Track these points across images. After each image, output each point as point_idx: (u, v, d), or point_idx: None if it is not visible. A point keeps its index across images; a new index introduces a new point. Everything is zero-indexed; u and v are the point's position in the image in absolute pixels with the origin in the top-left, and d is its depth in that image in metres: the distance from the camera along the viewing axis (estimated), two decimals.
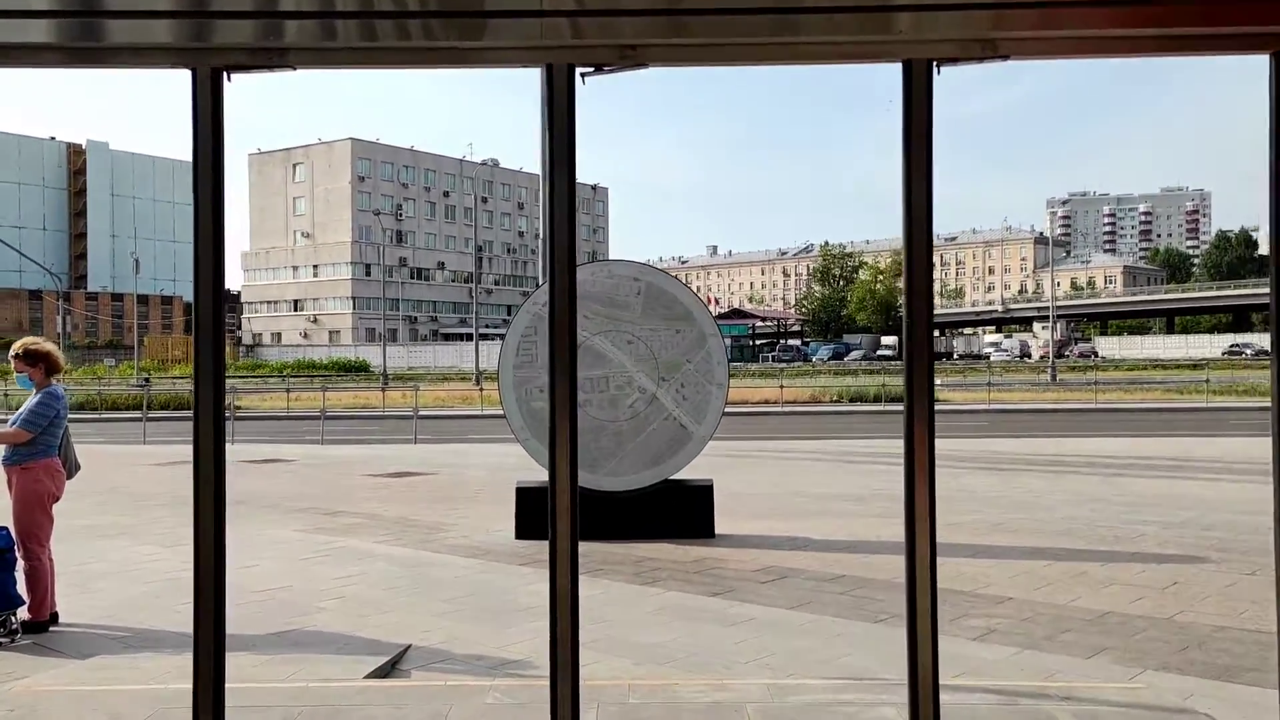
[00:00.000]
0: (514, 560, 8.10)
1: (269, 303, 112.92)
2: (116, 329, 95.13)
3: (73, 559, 8.22)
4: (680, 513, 9.05)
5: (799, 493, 11.90)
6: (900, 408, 3.03)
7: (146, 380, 43.77)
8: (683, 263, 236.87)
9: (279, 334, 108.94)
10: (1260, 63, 2.85)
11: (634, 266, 9.11)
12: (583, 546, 8.28)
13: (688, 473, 9.09)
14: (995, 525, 9.55)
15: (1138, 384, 39.18)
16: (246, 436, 23.41)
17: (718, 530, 9.04)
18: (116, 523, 10.21)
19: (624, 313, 9.01)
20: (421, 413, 24.82)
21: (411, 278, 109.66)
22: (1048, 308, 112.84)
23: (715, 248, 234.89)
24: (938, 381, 44.65)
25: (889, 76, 2.91)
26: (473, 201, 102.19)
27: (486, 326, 59.61)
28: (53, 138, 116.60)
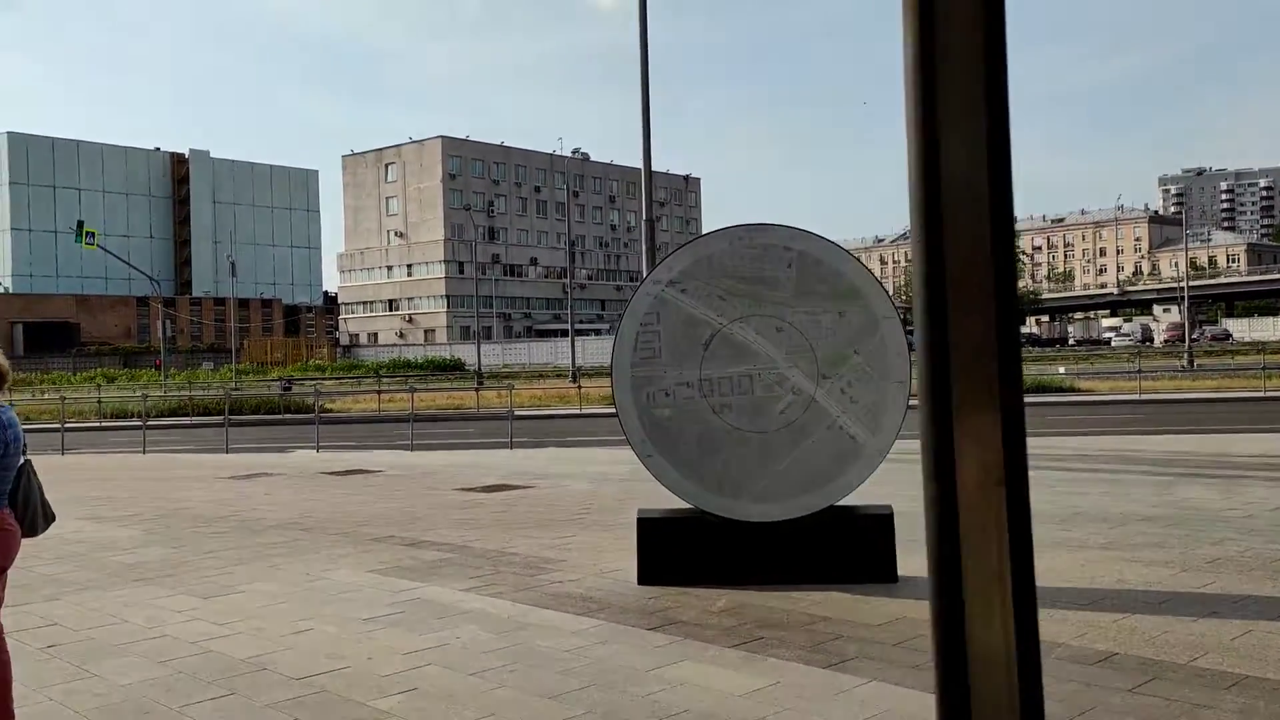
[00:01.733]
0: (641, 620, 6.14)
1: (365, 303, 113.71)
2: (219, 333, 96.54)
3: (83, 620, 6.55)
4: (851, 549, 6.97)
5: None
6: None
7: (288, 385, 43.20)
8: None
9: (375, 334, 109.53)
10: None
11: (783, 232, 7.06)
12: (731, 597, 6.15)
13: (857, 497, 7.01)
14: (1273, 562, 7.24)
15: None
16: (332, 442, 22.02)
17: (900, 570, 6.93)
18: (159, 559, 8.59)
19: (772, 292, 6.97)
20: (517, 413, 23.14)
21: (505, 274, 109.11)
22: (1169, 289, 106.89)
23: None
24: (1061, 369, 41.48)
25: None
26: (564, 196, 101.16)
27: (581, 322, 58.17)
28: (157, 148, 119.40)
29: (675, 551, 7.11)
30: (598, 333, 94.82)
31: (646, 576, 7.09)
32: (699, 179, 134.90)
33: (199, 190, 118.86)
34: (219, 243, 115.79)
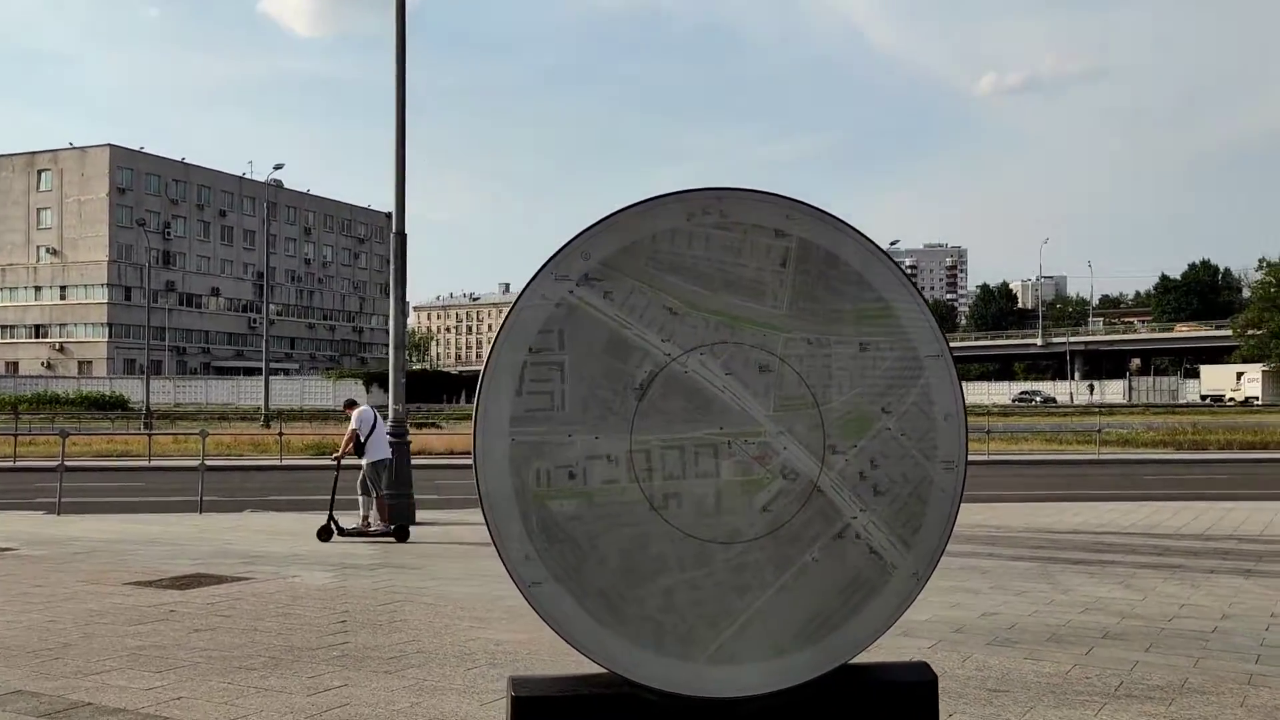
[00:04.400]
0: None
1: (5, 327, 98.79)
2: None
3: None
4: None
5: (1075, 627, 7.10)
6: None
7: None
8: (474, 299, 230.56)
9: (15, 363, 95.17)
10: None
11: (775, 206, 4.28)
12: None
13: (879, 650, 4.28)
14: None
15: (1011, 434, 37.13)
16: None
17: None
18: None
19: (754, 304, 4.16)
20: (201, 463, 18.67)
21: (181, 304, 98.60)
22: None
23: (508, 285, 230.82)
24: None
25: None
26: (254, 223, 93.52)
27: (271, 360, 51.99)
28: None
29: None
30: (287, 372, 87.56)
31: None
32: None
33: None
34: None
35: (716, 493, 4.06)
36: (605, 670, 4.09)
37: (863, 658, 4.22)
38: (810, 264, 4.14)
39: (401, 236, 14.23)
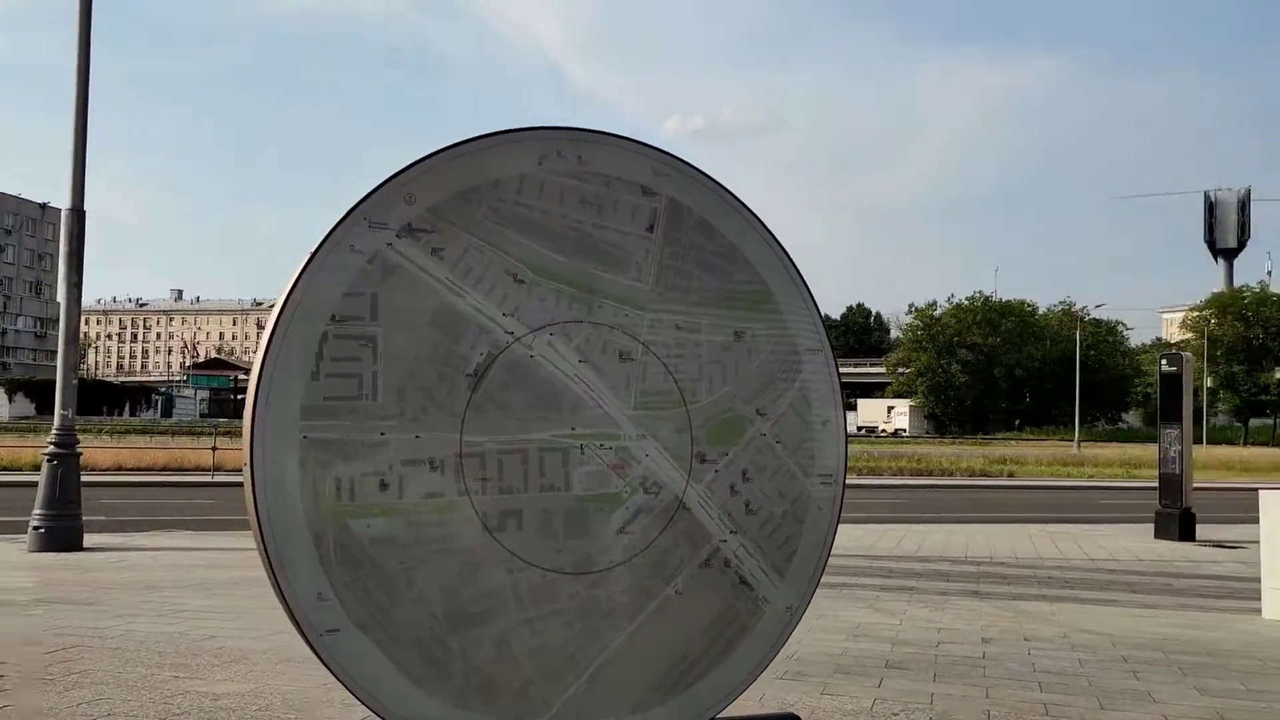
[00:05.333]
0: None
1: None
2: None
3: None
4: None
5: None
6: None
7: None
8: (141, 305, 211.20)
9: None
10: None
11: (636, 158, 3.51)
12: None
13: (750, 699, 3.58)
14: None
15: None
16: None
17: None
18: None
19: (615, 276, 3.37)
20: None
21: None
22: None
23: (180, 292, 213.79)
24: None
25: None
26: None
27: None
28: None
29: None
30: None
31: None
32: (59, 209, 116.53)
33: None
34: None
35: (566, 510, 3.22)
36: None
37: (732, 711, 3.51)
38: (682, 232, 3.41)
39: (78, 213, 12.11)
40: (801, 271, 3.58)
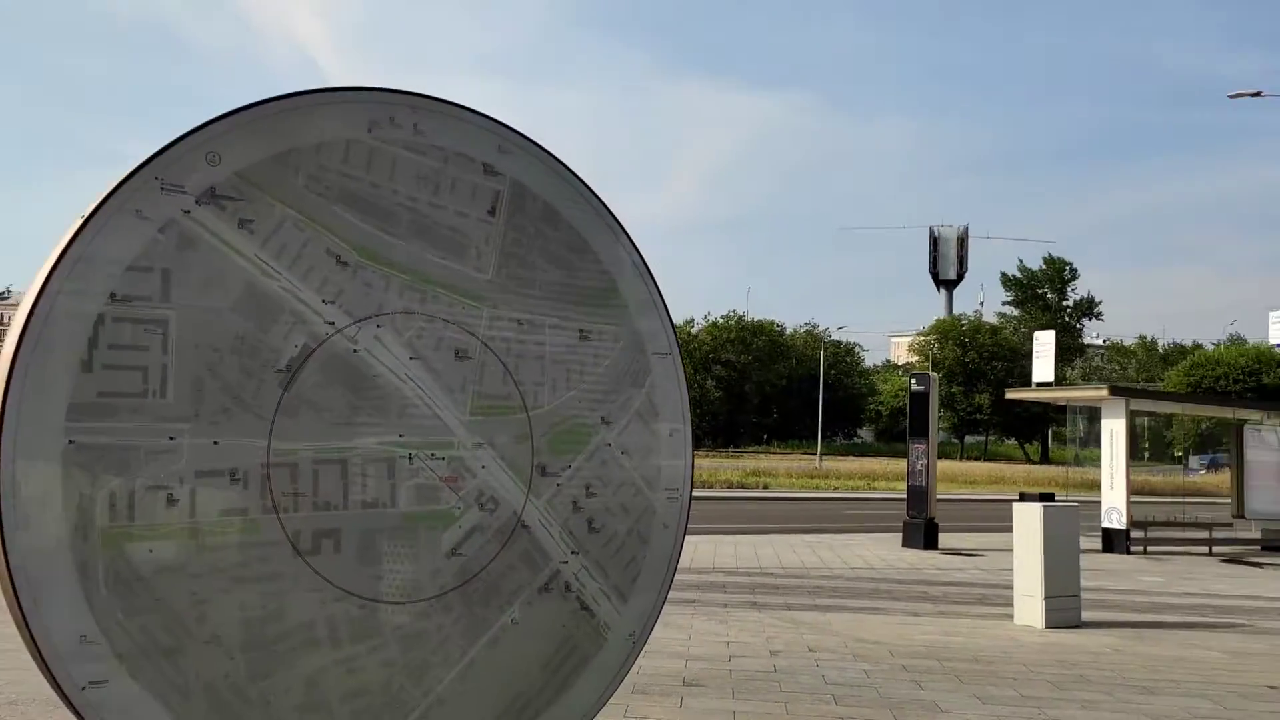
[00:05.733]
0: None
1: None
2: None
3: None
4: None
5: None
6: None
7: None
8: None
9: None
10: None
11: (478, 132, 3.10)
12: None
13: None
14: None
15: None
16: None
17: None
18: None
19: (452, 264, 2.97)
20: None
21: None
22: None
23: None
24: None
25: None
26: None
27: None
28: None
29: None
30: None
31: None
32: None
33: None
34: None
35: (391, 530, 2.79)
36: None
37: None
38: (525, 217, 3.07)
39: None
40: (652, 269, 3.30)
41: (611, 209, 3.22)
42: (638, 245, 3.26)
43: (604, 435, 3.17)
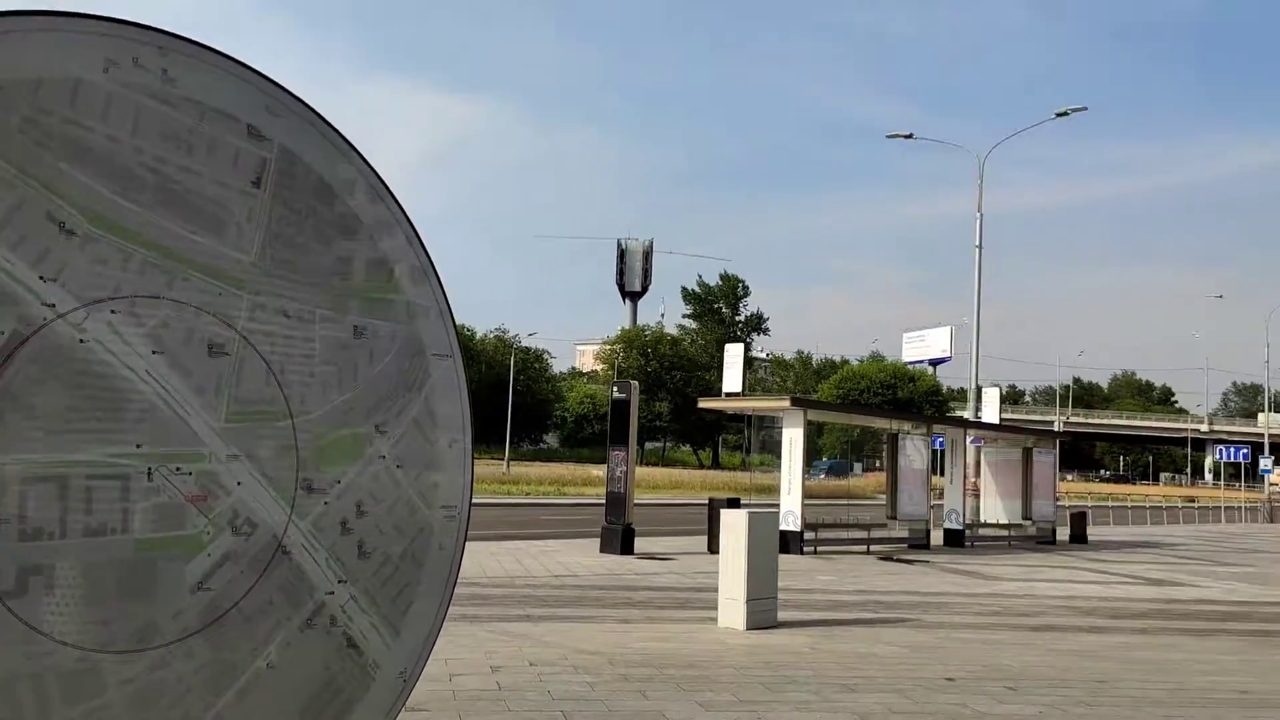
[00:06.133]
0: None
1: None
2: None
3: None
4: None
5: None
6: None
7: None
8: None
9: None
10: None
11: (243, 86, 2.60)
12: None
13: None
14: None
15: None
16: None
17: None
18: None
19: (208, 238, 2.47)
20: None
21: None
22: None
23: None
24: None
25: None
26: None
27: None
28: None
29: None
30: None
31: None
32: None
33: None
34: None
35: (121, 562, 2.30)
36: None
37: None
38: (296, 192, 2.66)
39: None
40: (435, 264, 2.96)
41: (395, 194, 2.85)
42: (422, 239, 2.90)
43: (378, 446, 2.79)
